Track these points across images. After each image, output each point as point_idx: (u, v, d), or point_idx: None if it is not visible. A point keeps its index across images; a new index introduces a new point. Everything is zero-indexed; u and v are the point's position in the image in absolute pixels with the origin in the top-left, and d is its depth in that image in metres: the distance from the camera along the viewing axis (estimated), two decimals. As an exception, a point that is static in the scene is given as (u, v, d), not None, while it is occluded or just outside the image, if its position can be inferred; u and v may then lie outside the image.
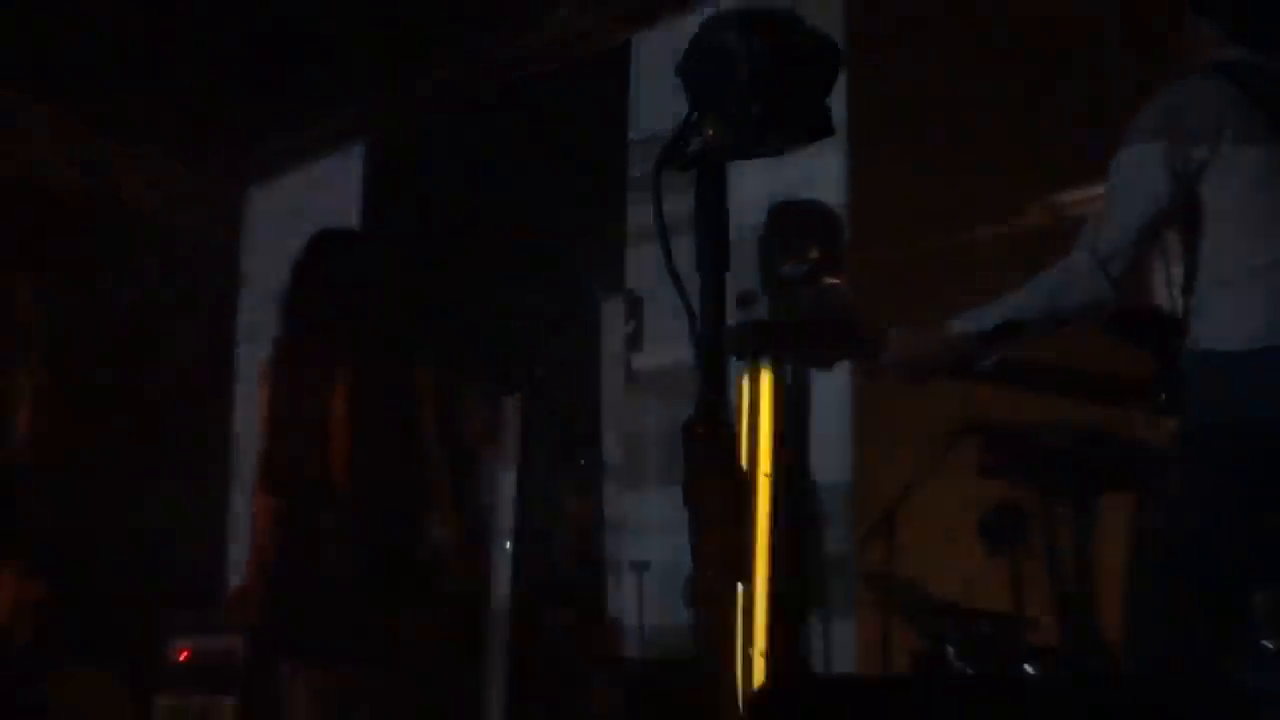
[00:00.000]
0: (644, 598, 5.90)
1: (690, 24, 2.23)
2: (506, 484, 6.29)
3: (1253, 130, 3.10)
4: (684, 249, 2.14)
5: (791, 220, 4.34)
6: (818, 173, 5.42)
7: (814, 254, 4.29)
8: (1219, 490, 3.11)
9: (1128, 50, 4.62)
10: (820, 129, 2.23)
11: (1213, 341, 3.15)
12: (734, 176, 2.19)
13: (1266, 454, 3.07)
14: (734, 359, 3.87)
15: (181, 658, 6.25)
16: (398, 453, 4.53)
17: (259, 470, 4.52)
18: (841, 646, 5.45)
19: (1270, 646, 3.07)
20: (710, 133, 2.17)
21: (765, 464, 3.96)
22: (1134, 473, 3.95)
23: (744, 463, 3.80)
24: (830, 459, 5.40)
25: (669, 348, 5.85)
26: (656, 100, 6.29)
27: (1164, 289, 3.34)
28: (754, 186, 4.36)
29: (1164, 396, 3.31)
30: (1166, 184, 3.10)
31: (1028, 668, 4.14)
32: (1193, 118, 3.12)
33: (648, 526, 5.81)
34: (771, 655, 4.13)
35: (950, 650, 4.30)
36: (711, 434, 2.23)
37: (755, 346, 3.68)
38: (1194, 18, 3.33)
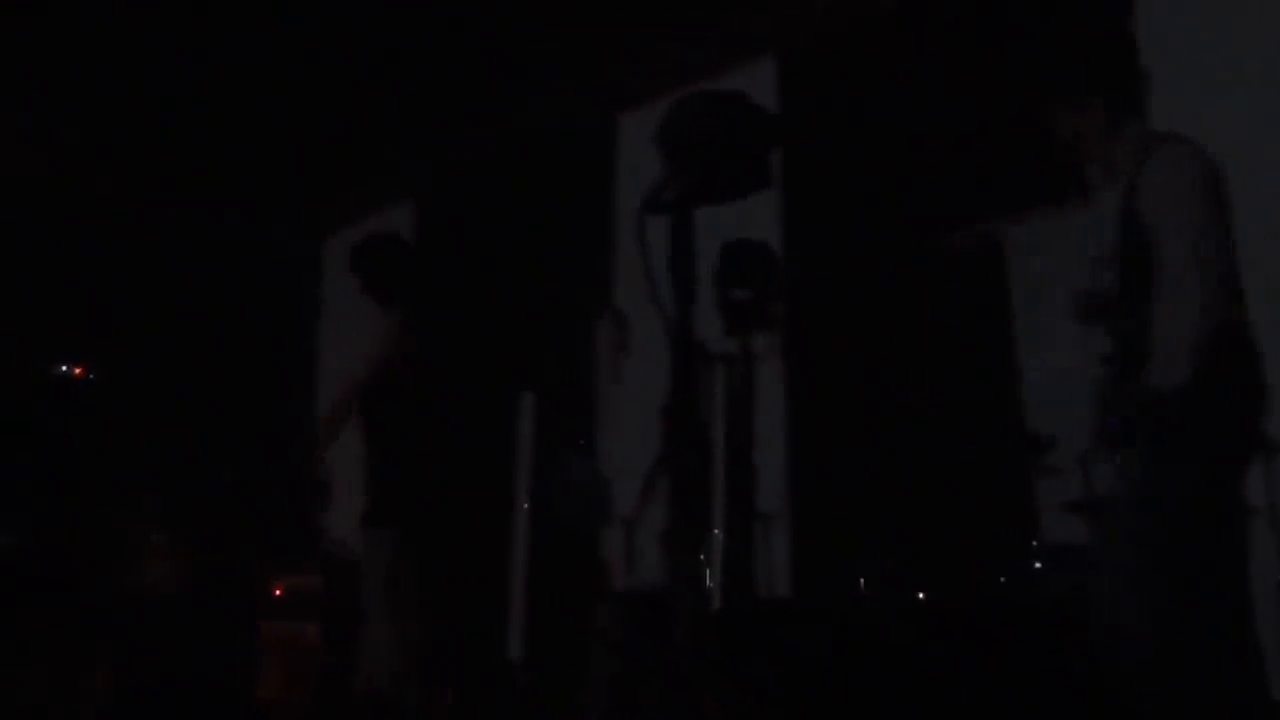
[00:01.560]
0: (631, 544, 5.94)
1: (662, 107, 2.23)
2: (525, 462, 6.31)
3: None
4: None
5: (739, 255, 4.32)
6: (760, 218, 5.38)
7: (757, 283, 4.30)
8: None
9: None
10: (763, 183, 2.23)
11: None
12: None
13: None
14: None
15: (278, 593, 6.30)
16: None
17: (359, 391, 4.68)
18: (780, 578, 5.45)
19: None
20: (680, 186, 2.18)
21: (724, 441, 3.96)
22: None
23: (708, 440, 3.80)
24: (770, 438, 5.38)
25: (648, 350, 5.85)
26: (637, 164, 6.29)
27: None
28: (712, 227, 4.34)
29: None
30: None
31: (920, 595, 4.14)
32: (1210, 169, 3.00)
33: (634, 489, 5.79)
34: (727, 586, 4.12)
35: (861, 581, 4.29)
36: (680, 417, 2.22)
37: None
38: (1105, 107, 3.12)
